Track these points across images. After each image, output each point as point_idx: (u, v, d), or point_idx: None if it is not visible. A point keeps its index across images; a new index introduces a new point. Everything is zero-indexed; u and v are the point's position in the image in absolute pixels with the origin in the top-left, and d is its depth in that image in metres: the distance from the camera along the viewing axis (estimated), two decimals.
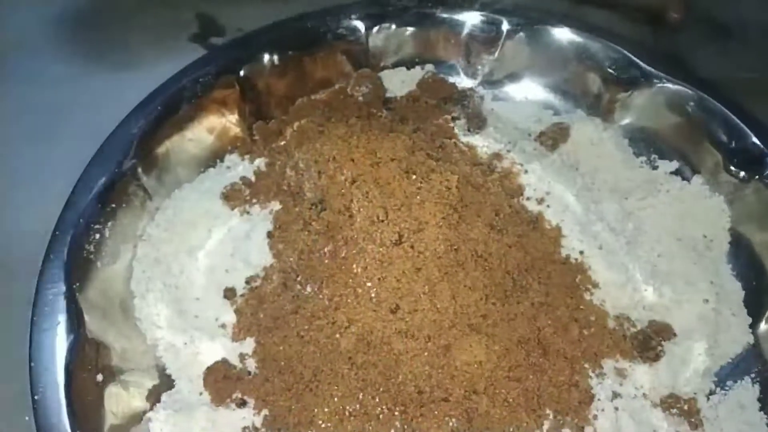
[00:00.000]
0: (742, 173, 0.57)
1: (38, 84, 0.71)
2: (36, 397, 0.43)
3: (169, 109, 0.57)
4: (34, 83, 0.71)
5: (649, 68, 0.61)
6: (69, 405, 0.43)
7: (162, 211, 0.56)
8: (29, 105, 0.70)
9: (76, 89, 0.70)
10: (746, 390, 0.50)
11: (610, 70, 0.62)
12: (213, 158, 0.60)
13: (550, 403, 0.46)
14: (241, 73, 0.61)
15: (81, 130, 0.66)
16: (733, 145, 0.58)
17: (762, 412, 0.49)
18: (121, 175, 0.53)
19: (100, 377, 0.46)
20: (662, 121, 0.61)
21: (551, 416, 0.46)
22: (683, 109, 0.60)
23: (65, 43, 0.75)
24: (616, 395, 0.48)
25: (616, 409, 0.48)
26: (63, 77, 0.71)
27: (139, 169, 0.55)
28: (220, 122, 0.60)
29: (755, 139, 0.57)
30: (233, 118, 0.61)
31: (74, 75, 0.72)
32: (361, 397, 0.45)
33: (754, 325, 0.53)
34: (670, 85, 0.60)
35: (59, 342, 0.45)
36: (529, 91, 0.65)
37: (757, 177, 0.56)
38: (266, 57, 0.62)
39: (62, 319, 0.46)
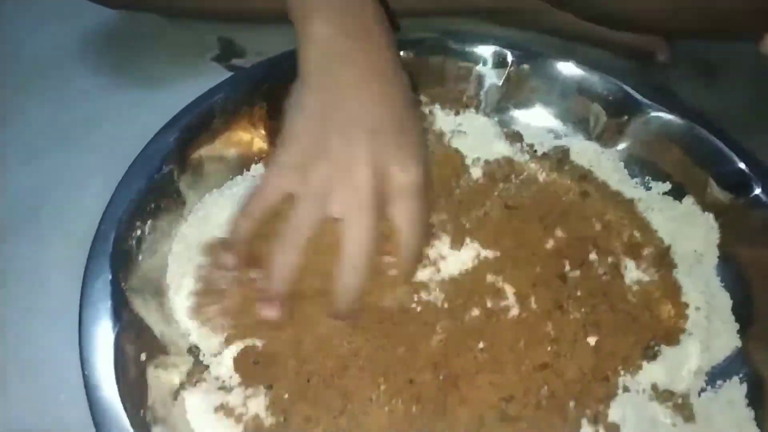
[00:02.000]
0: (730, 195, 0.62)
1: (67, 98, 0.75)
2: (86, 373, 0.46)
3: (203, 121, 0.61)
4: (65, 97, 0.75)
5: (643, 99, 0.66)
6: (117, 380, 0.46)
7: (194, 213, 0.60)
8: (60, 117, 0.73)
9: (105, 103, 0.74)
10: (735, 388, 0.55)
11: (608, 100, 0.67)
12: (240, 167, 0.64)
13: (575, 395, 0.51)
14: (268, 92, 0.65)
15: (111, 141, 0.70)
16: (721, 169, 0.63)
17: (749, 408, 0.53)
18: (160, 178, 0.57)
19: (143, 356, 0.49)
20: (655, 146, 0.66)
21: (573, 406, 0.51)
22: (674, 136, 0.65)
23: (92, 59, 0.79)
24: (626, 389, 0.53)
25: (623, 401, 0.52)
26: (91, 92, 0.75)
27: (175, 174, 0.59)
28: (247, 136, 0.65)
29: (741, 165, 0.62)
30: (260, 132, 0.65)
31: (102, 90, 0.75)
32: None
33: (741, 332, 0.57)
34: (662, 115, 0.65)
35: (106, 325, 0.49)
36: (532, 118, 0.70)
37: (742, 199, 0.61)
38: (290, 79, 0.66)
39: (108, 304, 0.49)
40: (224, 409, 0.50)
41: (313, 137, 0.50)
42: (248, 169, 0.65)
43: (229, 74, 0.65)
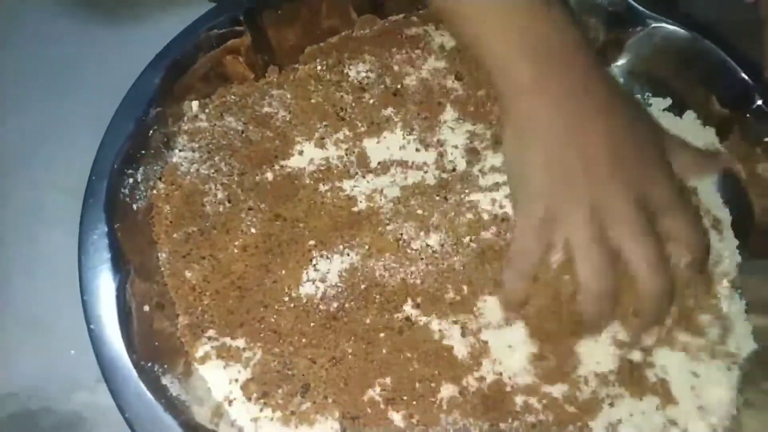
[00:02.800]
0: (731, 108, 0.60)
1: (44, 40, 0.72)
2: (91, 326, 0.47)
3: (187, 59, 0.59)
4: (41, 40, 0.72)
5: (644, 10, 0.63)
6: (122, 332, 0.47)
7: None
8: (38, 61, 0.71)
9: (83, 45, 0.71)
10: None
11: (608, 12, 0.64)
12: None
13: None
14: (256, 21, 0.62)
15: (93, 85, 0.68)
16: (723, 81, 0.61)
17: None
18: (148, 122, 0.56)
19: (146, 308, 0.50)
20: (656, 60, 0.64)
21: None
22: (676, 48, 0.63)
23: None
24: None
25: None
26: (68, 33, 0.72)
27: (163, 117, 0.57)
28: (235, 71, 0.62)
29: (743, 75, 0.60)
30: (248, 66, 0.63)
31: (79, 30, 0.73)
32: None
33: (740, 247, 0.57)
34: (664, 26, 0.63)
35: (107, 277, 0.49)
36: None
37: (744, 111, 0.59)
38: (275, 6, 0.63)
39: (107, 257, 0.49)
40: (231, 354, 0.50)
41: (553, 184, 0.48)
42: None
43: (212, 5, 0.62)
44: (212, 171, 0.57)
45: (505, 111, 0.51)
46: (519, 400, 0.49)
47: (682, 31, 0.62)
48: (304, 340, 0.51)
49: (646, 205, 0.47)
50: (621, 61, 0.65)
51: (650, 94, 0.64)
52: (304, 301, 0.52)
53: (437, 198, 0.56)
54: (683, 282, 0.50)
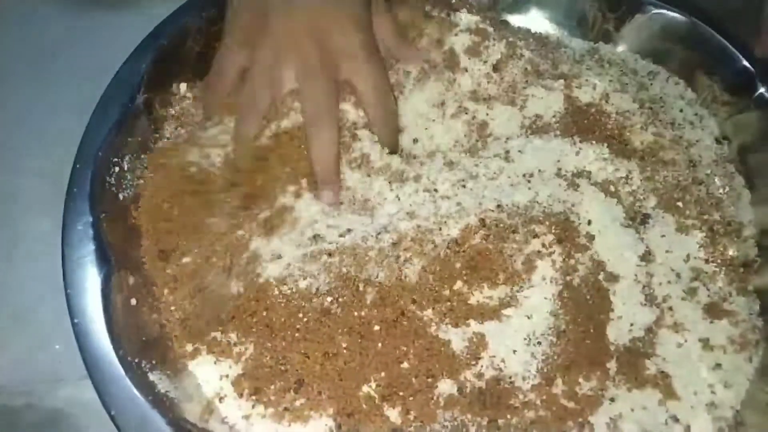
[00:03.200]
0: (734, 96, 0.60)
1: (28, 25, 0.70)
2: (75, 321, 0.45)
3: (175, 44, 0.57)
4: (25, 24, 0.70)
5: None
6: (109, 326, 0.45)
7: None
8: (21, 46, 0.69)
9: (68, 29, 0.70)
10: None
11: None
12: None
13: None
14: None
15: (78, 70, 0.66)
16: (724, 68, 0.60)
17: None
18: (134, 109, 0.54)
19: (134, 301, 0.48)
20: (656, 47, 0.63)
21: None
22: (676, 34, 0.62)
23: None
24: None
25: None
26: (53, 17, 0.70)
27: (150, 103, 0.55)
28: None
29: (745, 63, 0.59)
30: None
31: (64, 15, 0.71)
32: None
33: None
34: (664, 12, 0.62)
35: (92, 269, 0.47)
36: (528, 22, 0.66)
37: (747, 99, 0.59)
38: None
39: (92, 248, 0.47)
40: (222, 349, 0.49)
41: (254, 14, 0.52)
42: None
43: None
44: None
45: None
46: (518, 395, 0.48)
47: (682, 17, 0.62)
48: (297, 334, 0.49)
49: (333, 50, 0.52)
50: (620, 47, 0.64)
51: (650, 80, 0.63)
52: (297, 295, 0.51)
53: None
54: None
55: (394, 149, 0.55)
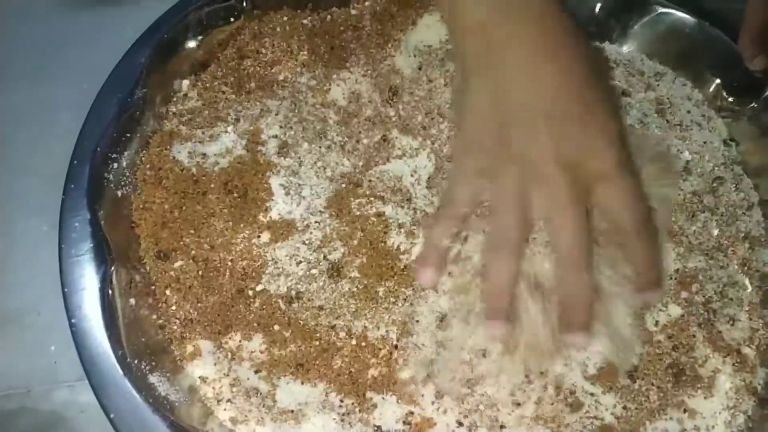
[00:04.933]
0: (740, 97, 0.59)
1: (26, 20, 0.69)
2: (73, 321, 0.44)
3: (176, 38, 0.56)
4: (22, 19, 0.69)
5: None
6: (107, 327, 0.44)
7: None
8: (20, 42, 0.68)
9: (67, 25, 0.68)
10: None
11: None
12: None
13: None
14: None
15: (76, 66, 0.65)
16: (731, 69, 0.59)
17: None
18: (133, 104, 0.53)
19: (132, 301, 0.47)
20: (662, 48, 0.62)
21: None
22: (683, 35, 0.61)
23: None
24: None
25: None
26: (51, 12, 0.69)
27: (150, 99, 0.54)
28: (229, 50, 0.59)
29: None
30: (243, 44, 0.60)
31: (63, 9, 0.69)
32: None
33: None
34: (671, 11, 0.61)
35: (90, 268, 0.46)
36: None
37: (754, 102, 0.58)
38: None
39: (90, 245, 0.47)
40: (222, 351, 0.48)
41: (490, 136, 0.45)
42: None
43: None
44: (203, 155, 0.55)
45: (455, 53, 0.49)
46: None
47: (690, 17, 0.61)
48: (298, 335, 0.48)
49: (582, 174, 0.43)
50: (627, 47, 0.63)
51: (657, 81, 0.62)
52: (296, 295, 0.50)
53: None
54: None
55: (658, 276, 0.45)
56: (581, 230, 0.43)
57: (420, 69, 0.59)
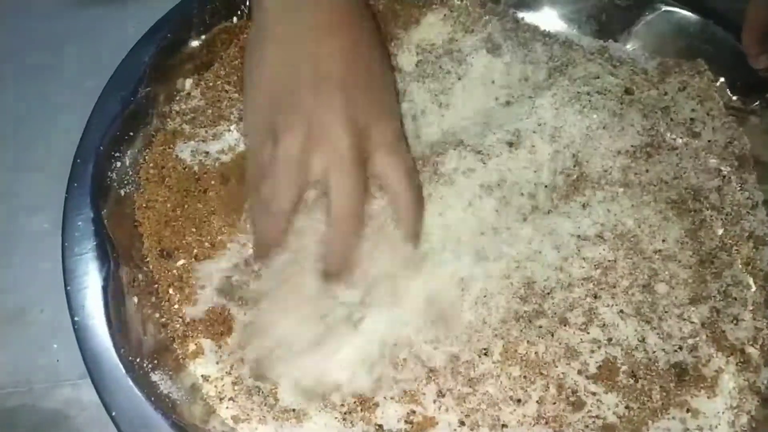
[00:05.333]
0: (744, 96, 0.59)
1: (29, 16, 0.69)
2: (75, 318, 0.44)
3: (179, 36, 0.56)
4: (25, 16, 0.69)
5: None
6: (110, 325, 0.44)
7: None
8: (23, 40, 0.68)
9: (70, 22, 0.68)
10: None
11: None
12: None
13: None
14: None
15: (80, 64, 0.65)
16: (735, 69, 0.59)
17: None
18: (137, 102, 0.53)
19: (135, 299, 0.47)
20: (666, 46, 0.62)
21: None
22: (687, 33, 0.61)
23: None
24: None
25: None
26: (54, 9, 0.69)
27: (154, 97, 0.54)
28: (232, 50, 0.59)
29: None
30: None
31: (67, 8, 0.69)
32: None
33: None
34: (674, 10, 0.61)
35: (93, 266, 0.46)
36: (539, 20, 0.65)
37: (758, 101, 0.58)
38: None
39: (93, 244, 0.47)
40: (224, 349, 0.48)
41: (281, 94, 0.47)
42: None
43: None
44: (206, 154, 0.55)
45: (255, 3, 0.51)
46: None
47: (694, 16, 0.61)
48: None
49: (364, 140, 0.46)
50: (631, 45, 0.63)
51: (662, 80, 0.62)
52: None
53: None
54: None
55: (415, 240, 0.50)
56: (358, 193, 0.46)
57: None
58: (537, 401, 0.47)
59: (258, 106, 0.48)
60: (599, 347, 0.49)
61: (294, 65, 0.47)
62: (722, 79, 0.60)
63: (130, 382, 0.43)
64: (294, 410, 0.47)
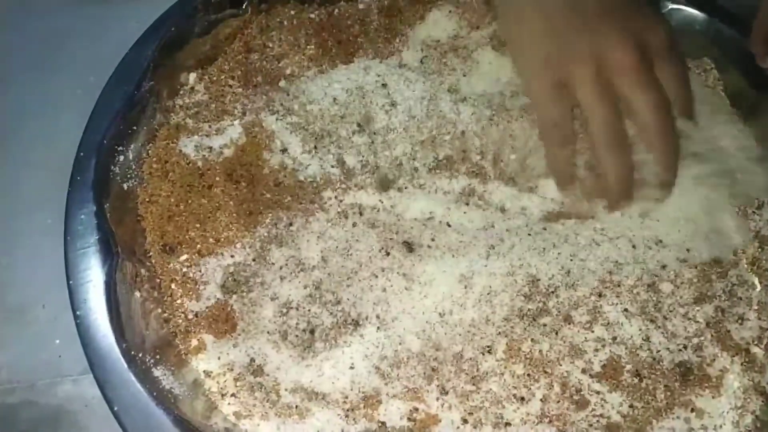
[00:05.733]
0: (750, 92, 0.58)
1: (32, 13, 0.69)
2: (78, 313, 0.44)
3: (182, 30, 0.56)
4: (28, 12, 0.69)
5: None
6: (112, 320, 0.44)
7: None
8: (25, 35, 0.68)
9: (73, 18, 0.68)
10: None
11: None
12: None
13: None
14: None
15: (83, 59, 0.65)
16: (741, 65, 0.59)
17: None
18: (140, 97, 0.53)
19: (138, 294, 0.47)
20: None
21: None
22: (693, 31, 0.61)
23: None
24: None
25: None
26: (58, 7, 0.69)
27: (158, 91, 0.54)
28: (237, 45, 0.59)
29: None
30: (251, 38, 0.60)
31: (70, 3, 0.69)
32: None
33: None
34: (680, 8, 0.61)
35: (95, 260, 0.46)
36: None
37: (764, 97, 0.57)
38: None
39: (96, 238, 0.46)
40: (226, 344, 0.48)
41: (560, 22, 0.50)
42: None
43: None
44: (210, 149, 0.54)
45: None
46: None
47: (700, 14, 0.60)
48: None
49: (645, 51, 0.49)
50: None
51: None
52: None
53: None
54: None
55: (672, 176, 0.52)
56: (666, 101, 0.50)
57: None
58: (541, 399, 0.47)
59: (541, 68, 0.51)
60: (604, 346, 0.49)
61: (560, 17, 0.50)
62: (727, 78, 0.60)
63: (133, 378, 0.43)
64: (296, 406, 0.47)
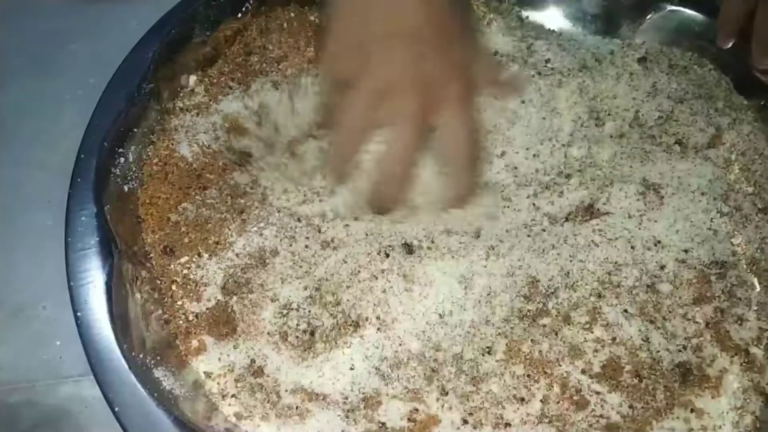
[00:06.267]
0: (748, 95, 0.59)
1: (33, 13, 0.69)
2: (78, 314, 0.44)
3: (183, 33, 0.56)
4: (29, 13, 0.69)
5: None
6: (112, 321, 0.44)
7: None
8: (27, 36, 0.68)
9: (74, 19, 0.68)
10: None
11: None
12: None
13: None
14: None
15: (84, 61, 0.65)
16: (740, 68, 0.59)
17: None
18: (141, 98, 0.53)
19: (138, 295, 0.47)
20: (672, 43, 0.62)
21: None
22: (692, 32, 0.61)
23: None
24: None
25: None
26: (59, 7, 0.69)
27: (158, 93, 0.54)
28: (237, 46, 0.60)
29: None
30: (251, 39, 0.60)
31: (71, 4, 0.69)
32: None
33: None
34: (680, 9, 0.61)
35: (96, 262, 0.46)
36: (544, 19, 0.65)
37: (762, 100, 0.59)
38: None
39: (96, 239, 0.46)
40: (227, 345, 0.48)
41: (355, 48, 0.48)
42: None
43: None
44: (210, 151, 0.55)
45: None
46: None
47: (700, 15, 0.61)
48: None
49: (431, 96, 0.47)
50: (638, 43, 0.63)
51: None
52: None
53: None
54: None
55: (460, 205, 0.52)
56: (413, 146, 0.48)
57: None
58: (540, 400, 0.47)
59: (332, 55, 0.50)
60: (603, 346, 0.49)
61: (365, 19, 0.48)
62: (727, 78, 0.60)
63: (133, 379, 0.43)
64: (297, 407, 0.47)
